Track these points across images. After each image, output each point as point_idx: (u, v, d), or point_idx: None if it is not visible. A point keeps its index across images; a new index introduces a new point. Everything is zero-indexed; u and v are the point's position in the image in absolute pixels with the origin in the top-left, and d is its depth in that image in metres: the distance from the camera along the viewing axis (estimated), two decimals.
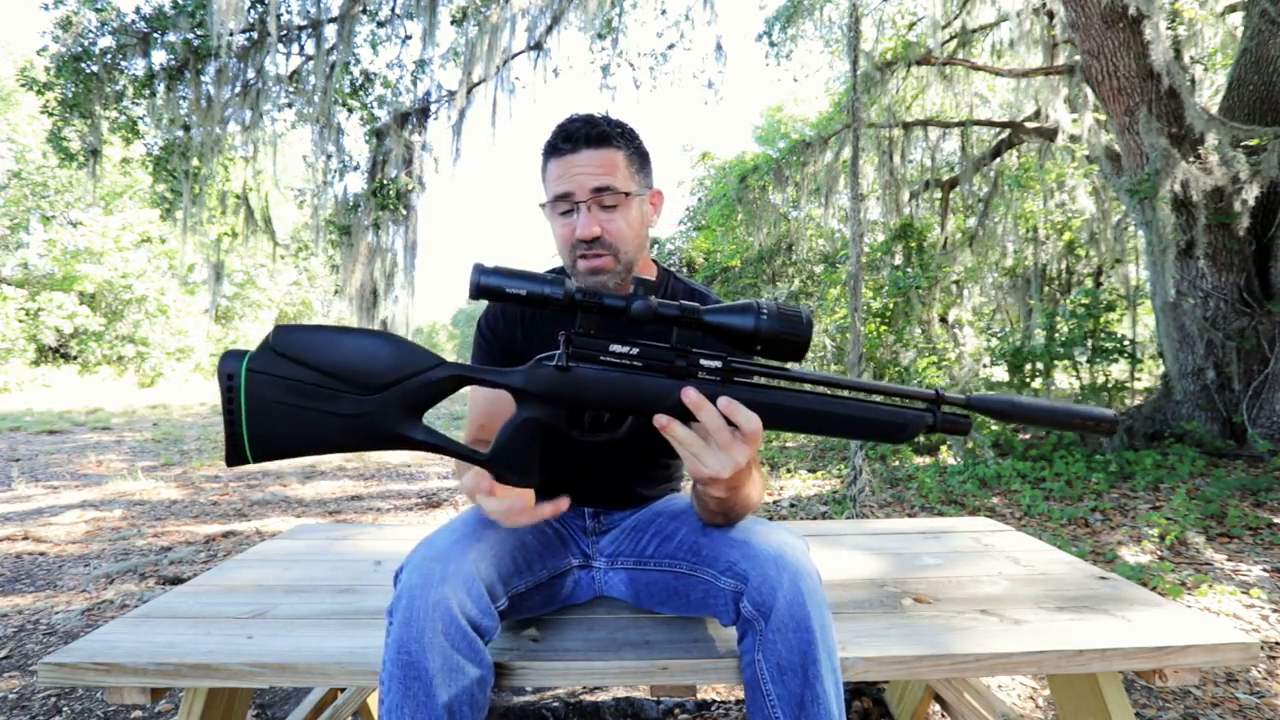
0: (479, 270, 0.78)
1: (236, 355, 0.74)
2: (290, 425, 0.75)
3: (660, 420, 0.81)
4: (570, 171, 1.04)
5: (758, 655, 0.90)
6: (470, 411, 1.18)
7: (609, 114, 1.10)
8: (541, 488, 1.24)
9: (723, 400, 0.80)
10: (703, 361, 0.82)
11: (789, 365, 0.87)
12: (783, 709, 0.88)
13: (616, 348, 0.81)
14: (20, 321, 16.51)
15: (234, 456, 0.75)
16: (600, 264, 1.06)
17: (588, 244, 1.05)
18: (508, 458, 0.82)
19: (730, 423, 0.80)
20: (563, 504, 0.90)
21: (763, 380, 0.85)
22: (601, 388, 0.81)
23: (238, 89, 6.29)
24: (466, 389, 1.10)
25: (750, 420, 0.80)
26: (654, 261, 1.24)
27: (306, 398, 0.75)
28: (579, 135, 1.04)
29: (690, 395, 0.80)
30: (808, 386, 0.85)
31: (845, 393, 0.85)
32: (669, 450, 1.25)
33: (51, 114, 6.24)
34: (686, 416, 0.82)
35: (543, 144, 1.09)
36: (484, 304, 1.14)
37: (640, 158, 1.11)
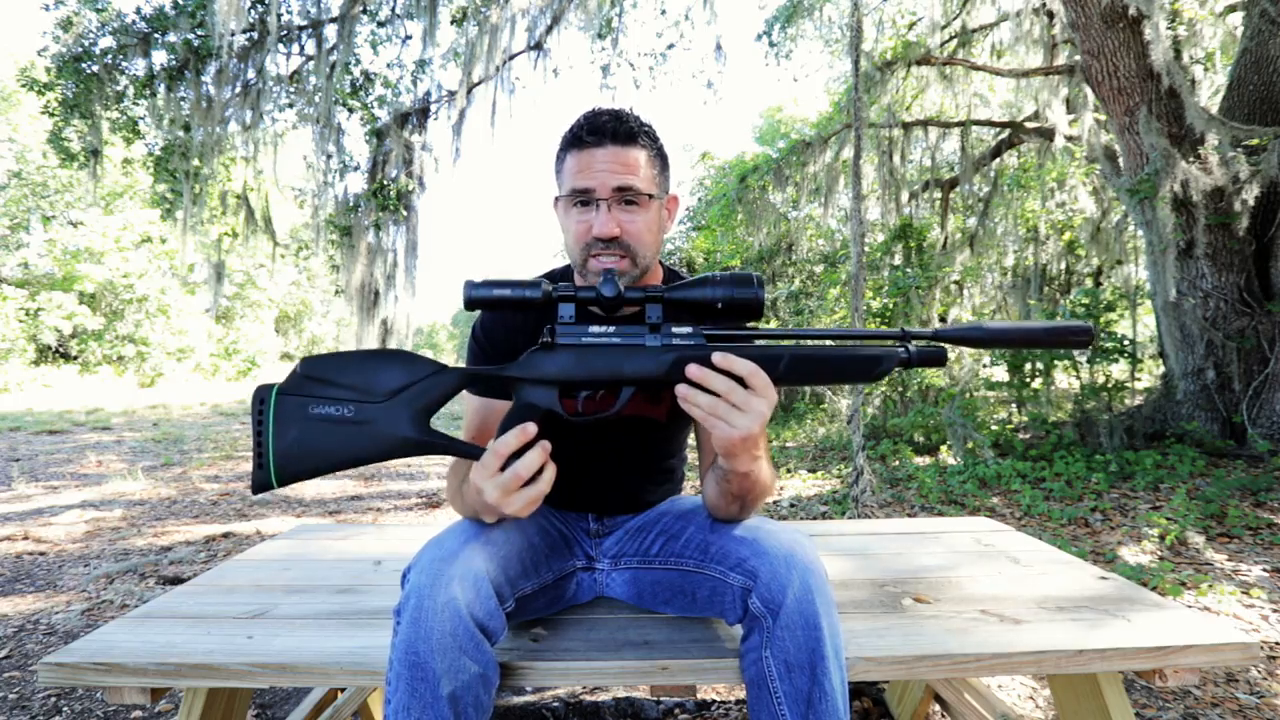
0: (469, 285, 0.89)
1: (267, 386, 0.85)
2: (312, 440, 0.83)
3: (681, 391, 0.85)
4: (593, 166, 1.01)
5: (765, 652, 0.91)
6: (464, 424, 1.17)
7: (633, 110, 1.07)
8: (550, 494, 1.24)
9: (716, 356, 0.84)
10: (674, 329, 0.89)
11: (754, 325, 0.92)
12: (789, 706, 0.89)
13: (595, 328, 0.90)
14: (20, 321, 16.52)
15: (259, 479, 0.83)
16: (618, 267, 1.03)
17: (605, 243, 1.02)
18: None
19: (737, 379, 0.84)
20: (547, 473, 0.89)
21: (737, 340, 0.91)
22: (586, 366, 0.89)
23: (238, 89, 6.29)
24: (463, 400, 1.15)
25: (747, 365, 0.84)
26: (660, 263, 1.23)
27: (326, 408, 0.84)
28: (605, 130, 1.01)
29: (693, 370, 0.84)
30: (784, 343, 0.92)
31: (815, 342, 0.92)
32: (669, 450, 1.26)
33: (52, 114, 6.24)
34: (661, 386, 0.88)
35: (563, 134, 1.06)
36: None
37: (662, 160, 1.09)
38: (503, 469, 0.84)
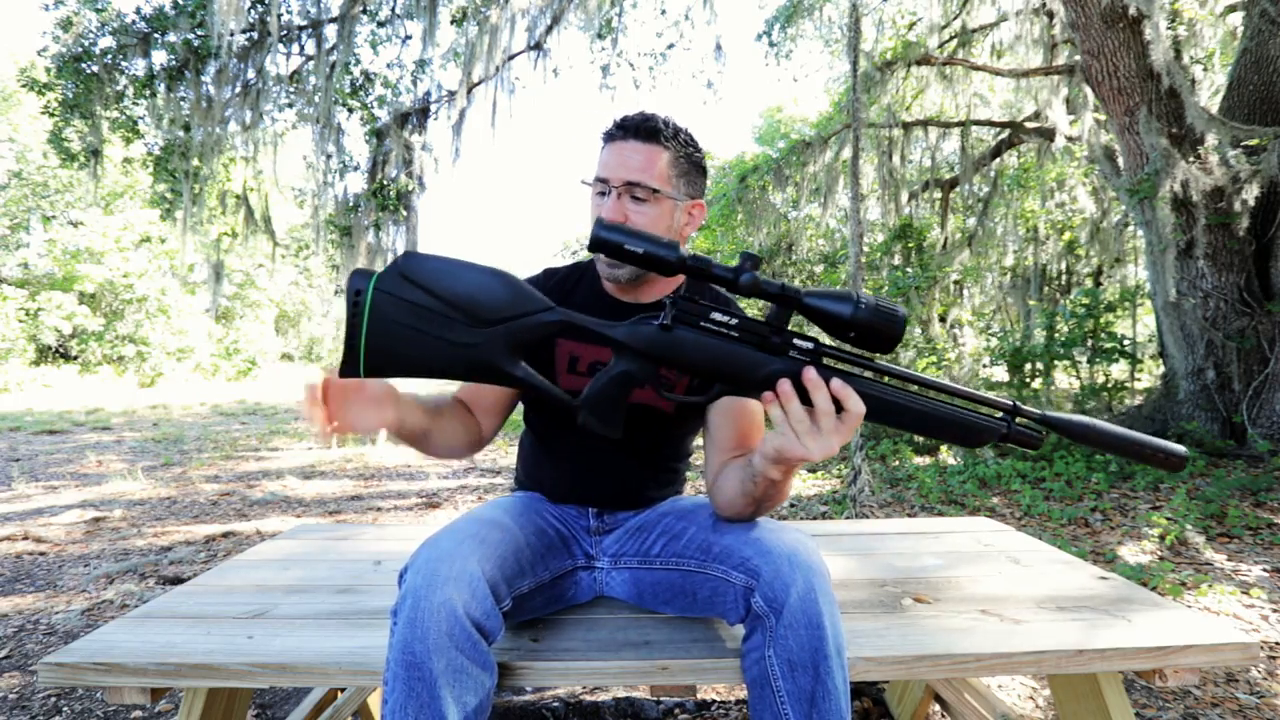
0: (599, 224, 0.82)
1: (365, 274, 0.79)
2: (405, 346, 0.79)
3: (784, 387, 0.82)
4: (613, 159, 1.09)
5: (768, 651, 0.91)
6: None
7: (672, 119, 1.13)
8: (548, 485, 1.26)
9: (836, 383, 0.81)
10: (795, 341, 0.84)
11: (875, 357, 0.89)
12: (792, 705, 0.89)
13: (717, 315, 0.85)
14: (20, 321, 16.52)
15: (348, 368, 0.79)
16: None
17: None
18: (597, 405, 0.86)
19: (837, 407, 0.82)
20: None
21: (852, 369, 0.86)
22: (698, 351, 0.84)
23: (238, 89, 6.29)
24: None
25: (858, 405, 0.81)
26: None
27: (424, 322, 0.79)
28: (631, 126, 1.09)
29: (810, 375, 0.82)
30: (891, 381, 0.87)
31: (925, 392, 0.87)
32: (676, 451, 1.26)
33: (52, 114, 6.24)
34: (758, 391, 0.85)
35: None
36: None
37: (690, 165, 1.13)
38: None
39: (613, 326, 0.85)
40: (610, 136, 1.11)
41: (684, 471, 1.32)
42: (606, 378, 0.85)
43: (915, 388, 0.86)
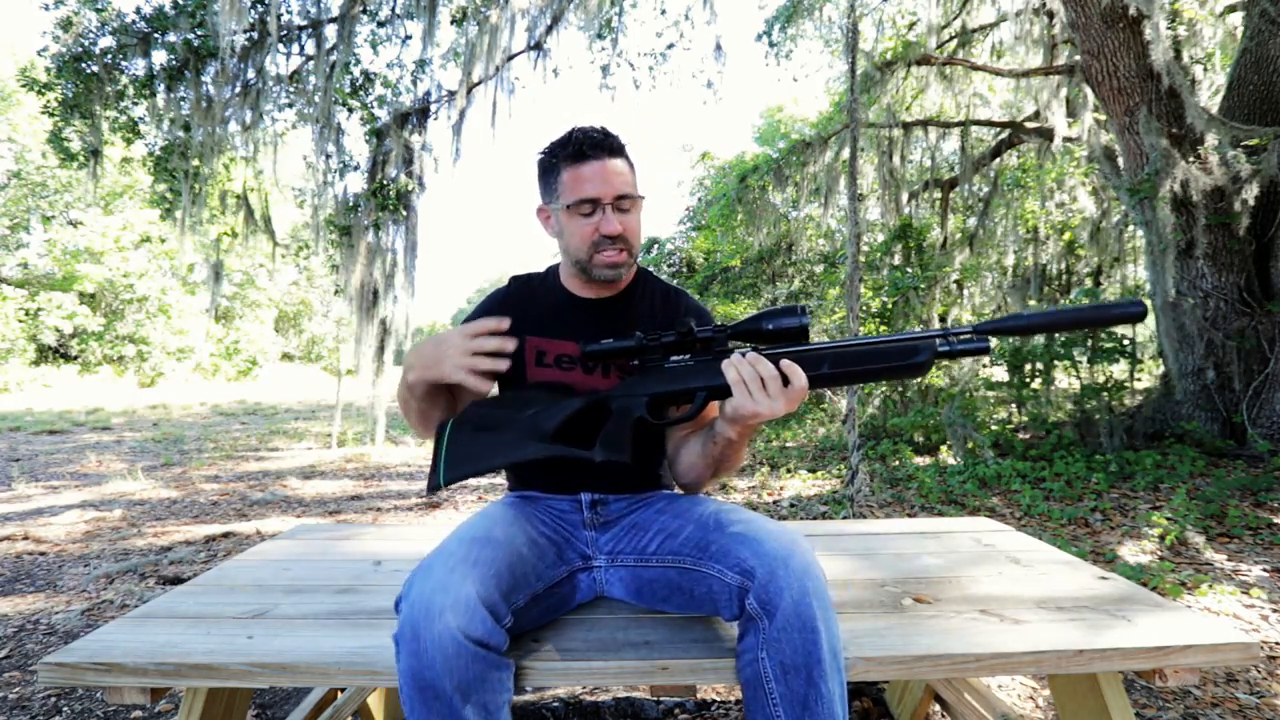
0: (585, 354, 1.13)
1: (447, 420, 1.14)
2: (469, 448, 1.08)
3: (735, 357, 1.02)
4: (597, 177, 1.17)
5: (761, 653, 0.91)
6: None
7: (605, 127, 1.24)
8: (542, 477, 1.28)
9: (785, 361, 1.00)
10: (739, 351, 1.05)
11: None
12: (784, 708, 0.89)
13: (675, 358, 1.12)
14: (20, 321, 16.53)
15: (432, 482, 1.07)
16: (621, 258, 1.20)
17: (612, 240, 1.18)
18: (610, 443, 1.08)
19: (785, 381, 0.99)
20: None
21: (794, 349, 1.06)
22: (667, 380, 1.10)
23: (238, 89, 6.29)
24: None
25: (800, 378, 0.99)
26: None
27: (480, 427, 1.11)
28: (602, 145, 1.18)
29: (750, 354, 1.02)
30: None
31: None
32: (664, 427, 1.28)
33: (52, 114, 6.23)
34: (727, 392, 1.05)
35: (553, 151, 1.21)
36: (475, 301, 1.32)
37: (633, 166, 1.24)
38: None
39: (610, 392, 1.12)
40: (582, 157, 1.17)
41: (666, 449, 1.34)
42: (612, 421, 1.09)
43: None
